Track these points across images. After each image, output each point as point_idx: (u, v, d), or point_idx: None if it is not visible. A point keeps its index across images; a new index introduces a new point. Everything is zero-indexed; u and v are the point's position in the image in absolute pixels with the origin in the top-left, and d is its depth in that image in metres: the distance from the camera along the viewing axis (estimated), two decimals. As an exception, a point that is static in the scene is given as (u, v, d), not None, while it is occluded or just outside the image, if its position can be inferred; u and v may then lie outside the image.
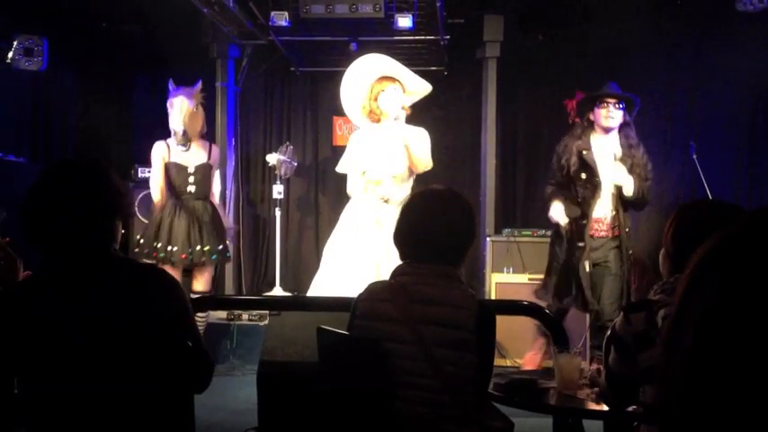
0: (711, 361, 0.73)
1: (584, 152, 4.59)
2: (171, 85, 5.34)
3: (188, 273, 5.42)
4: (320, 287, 4.77)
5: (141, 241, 5.31)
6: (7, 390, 2.01)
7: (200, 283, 5.39)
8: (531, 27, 6.39)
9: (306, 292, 6.95)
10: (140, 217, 6.42)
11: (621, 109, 4.57)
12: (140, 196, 6.46)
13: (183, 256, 5.17)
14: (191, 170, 5.28)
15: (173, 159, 5.28)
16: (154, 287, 2.00)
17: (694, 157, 5.51)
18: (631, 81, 6.35)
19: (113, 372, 1.93)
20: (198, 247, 5.19)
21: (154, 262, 5.11)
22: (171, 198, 5.30)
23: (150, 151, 5.41)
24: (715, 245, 0.80)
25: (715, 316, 0.74)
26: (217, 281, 6.12)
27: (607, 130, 4.59)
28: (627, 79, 6.06)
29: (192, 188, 5.27)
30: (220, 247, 5.38)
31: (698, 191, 5.64)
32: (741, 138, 6.52)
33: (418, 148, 4.70)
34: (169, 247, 5.15)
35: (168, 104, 5.30)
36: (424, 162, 4.75)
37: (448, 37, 6.09)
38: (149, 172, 6.48)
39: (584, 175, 4.60)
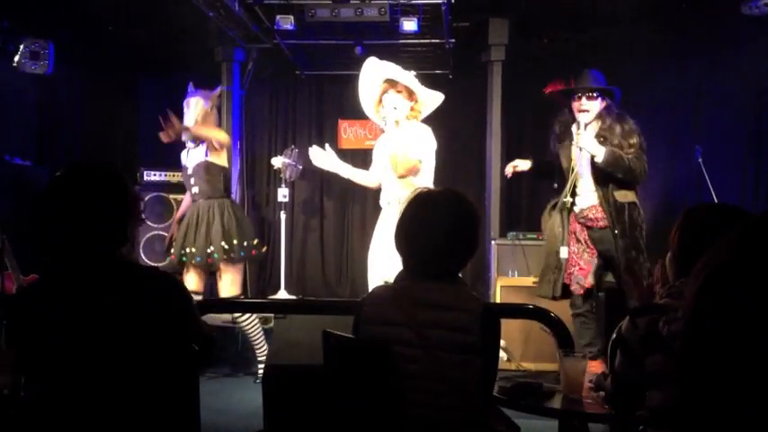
0: (731, 365, 0.73)
1: (566, 141, 4.63)
2: (190, 87, 5.36)
3: (214, 275, 5.37)
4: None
5: (172, 249, 5.24)
6: (13, 392, 2.02)
7: (224, 288, 5.19)
8: (537, 30, 6.39)
9: (310, 294, 6.99)
10: (147, 221, 6.44)
11: (597, 99, 4.54)
12: (146, 199, 6.48)
13: (195, 257, 5.14)
14: (189, 171, 5.24)
15: (182, 162, 5.30)
16: (158, 290, 2.01)
17: (700, 160, 5.50)
18: (636, 84, 6.36)
19: (118, 375, 1.93)
20: (210, 249, 5.11)
21: (179, 266, 5.12)
22: (193, 201, 5.30)
23: (156, 155, 5.43)
24: (729, 250, 0.80)
25: (733, 321, 0.74)
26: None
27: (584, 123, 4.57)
28: (632, 83, 6.07)
29: (195, 189, 5.23)
30: (226, 246, 5.18)
31: (703, 194, 5.63)
32: (747, 141, 6.50)
33: (398, 146, 4.54)
34: (187, 249, 5.12)
35: (185, 104, 5.31)
36: (400, 160, 4.54)
37: (453, 40, 6.09)
38: (155, 175, 6.53)
39: (564, 164, 4.67)
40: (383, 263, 4.45)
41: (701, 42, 6.24)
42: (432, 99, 4.79)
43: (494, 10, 6.12)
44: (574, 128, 4.61)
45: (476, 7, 6.03)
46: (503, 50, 6.20)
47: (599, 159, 4.45)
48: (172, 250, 5.24)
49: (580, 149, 4.51)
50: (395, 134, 4.60)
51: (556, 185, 4.82)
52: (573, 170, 4.58)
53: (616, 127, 4.53)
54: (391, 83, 4.68)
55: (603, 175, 4.51)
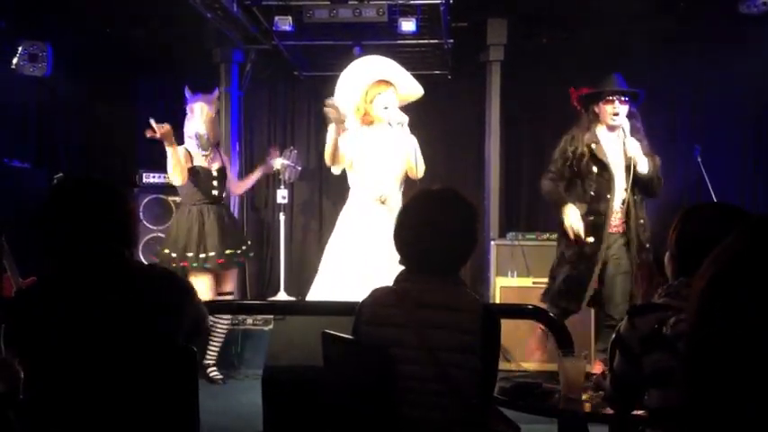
0: (734, 369, 0.73)
1: (594, 145, 4.54)
2: (188, 92, 5.37)
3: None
4: (320, 292, 4.74)
5: (167, 251, 5.24)
6: (12, 393, 2.02)
7: (229, 284, 5.45)
8: (535, 30, 6.39)
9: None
10: (145, 222, 6.42)
11: (626, 102, 4.54)
12: (145, 201, 6.46)
13: (220, 260, 5.19)
14: (214, 174, 5.32)
15: (196, 163, 5.28)
16: (158, 287, 2.01)
17: (698, 159, 5.50)
18: (635, 83, 6.34)
19: (118, 375, 1.93)
20: (228, 251, 5.23)
21: (182, 269, 5.12)
22: (194, 204, 5.29)
23: (155, 157, 5.42)
24: (733, 250, 0.79)
25: (738, 320, 0.74)
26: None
27: (613, 127, 4.56)
28: (631, 81, 6.05)
29: (215, 192, 5.32)
30: (243, 247, 5.47)
31: (702, 193, 5.63)
32: (745, 140, 6.51)
33: (418, 154, 4.68)
34: (202, 255, 5.14)
35: (188, 110, 5.33)
36: (421, 169, 4.70)
37: (451, 41, 6.09)
38: (154, 177, 6.50)
39: (595, 169, 4.54)
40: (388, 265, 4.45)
41: (699, 42, 6.24)
42: (411, 92, 4.79)
43: (492, 10, 6.12)
44: (601, 133, 4.56)
45: (474, 7, 6.03)
46: (501, 50, 6.20)
47: (644, 169, 4.41)
48: (187, 253, 5.21)
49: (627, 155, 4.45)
50: (407, 136, 4.58)
51: (592, 193, 4.55)
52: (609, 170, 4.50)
53: (644, 139, 4.54)
54: (386, 83, 4.66)
55: (636, 184, 4.48)
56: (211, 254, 5.15)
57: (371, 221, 4.65)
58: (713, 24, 6.01)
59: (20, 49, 5.69)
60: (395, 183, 4.73)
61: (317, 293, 4.77)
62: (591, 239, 4.52)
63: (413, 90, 4.82)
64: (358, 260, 4.60)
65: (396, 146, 4.67)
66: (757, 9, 5.38)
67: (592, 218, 4.52)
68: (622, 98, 4.52)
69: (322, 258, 4.91)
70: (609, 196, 4.49)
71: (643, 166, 4.42)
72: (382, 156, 4.69)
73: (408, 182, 4.80)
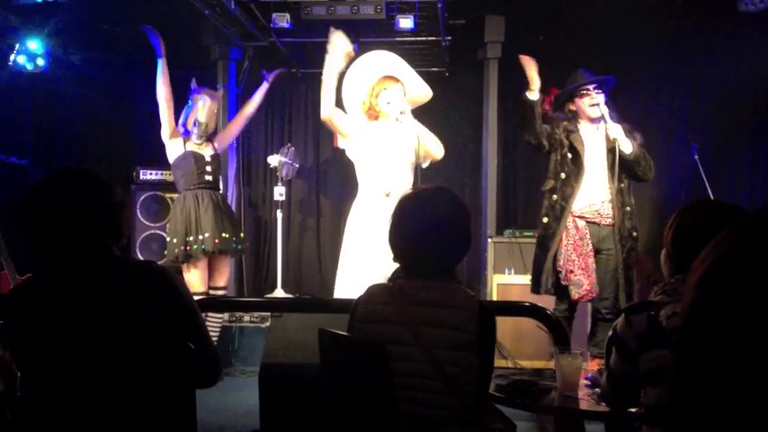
0: (726, 365, 0.73)
1: (572, 134, 4.54)
2: (193, 84, 5.44)
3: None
4: (343, 293, 4.68)
5: (174, 240, 5.28)
6: (9, 392, 2.02)
7: (222, 279, 5.47)
8: (533, 28, 6.39)
9: (307, 293, 6.99)
10: (142, 219, 6.42)
11: (602, 92, 4.54)
12: (142, 198, 6.46)
13: (217, 240, 5.24)
14: (207, 159, 5.36)
15: (189, 149, 5.33)
16: (155, 285, 2.00)
17: (696, 157, 5.50)
18: (633, 81, 6.36)
19: (115, 373, 1.93)
20: (224, 234, 5.27)
21: (185, 255, 5.19)
22: (188, 189, 5.34)
23: (152, 154, 5.47)
24: (727, 244, 0.79)
25: (731, 316, 0.74)
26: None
27: (593, 119, 4.55)
28: (629, 79, 6.07)
29: (209, 177, 5.37)
30: (238, 236, 5.50)
31: (699, 191, 5.64)
32: (743, 138, 6.52)
33: (428, 137, 4.65)
34: (200, 236, 5.20)
35: (191, 99, 5.41)
36: (437, 149, 4.67)
37: (449, 38, 6.09)
38: (151, 174, 6.50)
39: (569, 155, 4.54)
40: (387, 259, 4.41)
41: (697, 39, 6.24)
42: (419, 93, 4.77)
43: (490, 7, 6.12)
44: (582, 127, 4.56)
45: (472, 4, 6.03)
46: (499, 48, 6.20)
47: (629, 149, 4.41)
48: (188, 238, 5.27)
49: (612, 140, 4.43)
50: (413, 124, 4.55)
51: (563, 176, 4.57)
52: (582, 163, 4.50)
53: (622, 122, 4.53)
54: (393, 78, 4.65)
55: (622, 171, 4.48)
56: (207, 234, 5.19)
57: (380, 216, 4.63)
58: (712, 22, 6.02)
59: (17, 45, 5.69)
60: (402, 176, 4.70)
61: (341, 294, 4.70)
62: (546, 219, 4.52)
63: (421, 91, 4.80)
64: (375, 256, 4.55)
65: (401, 139, 4.65)
66: (755, 7, 5.38)
67: (555, 197, 4.52)
68: (597, 89, 4.52)
69: (339, 259, 4.84)
70: (575, 185, 4.50)
71: (627, 147, 4.42)
72: (388, 150, 4.67)
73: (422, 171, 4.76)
